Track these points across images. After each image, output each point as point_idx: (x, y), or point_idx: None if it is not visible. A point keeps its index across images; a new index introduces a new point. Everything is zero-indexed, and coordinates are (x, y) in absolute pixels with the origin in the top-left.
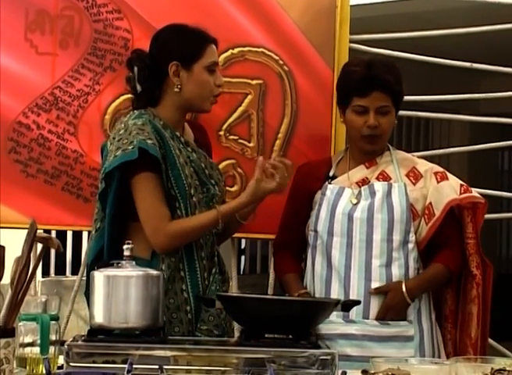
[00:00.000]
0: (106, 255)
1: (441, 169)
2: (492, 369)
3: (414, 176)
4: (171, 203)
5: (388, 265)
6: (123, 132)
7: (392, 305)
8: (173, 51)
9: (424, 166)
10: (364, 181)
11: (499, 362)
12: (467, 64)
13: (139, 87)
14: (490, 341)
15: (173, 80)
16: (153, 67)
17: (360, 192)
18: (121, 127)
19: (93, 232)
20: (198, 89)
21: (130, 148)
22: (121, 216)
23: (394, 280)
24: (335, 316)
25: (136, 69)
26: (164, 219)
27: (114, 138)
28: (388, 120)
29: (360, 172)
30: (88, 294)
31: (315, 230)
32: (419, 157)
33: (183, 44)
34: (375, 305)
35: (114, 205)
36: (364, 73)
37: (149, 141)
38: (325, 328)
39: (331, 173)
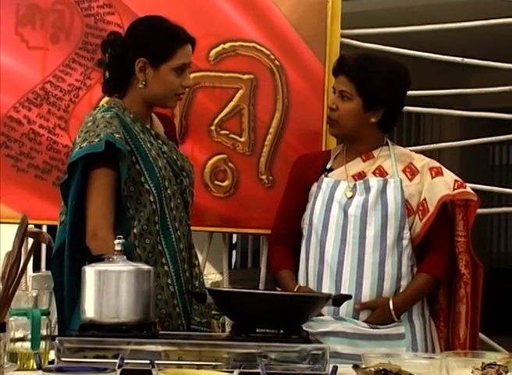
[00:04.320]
0: (67, 249)
1: (437, 165)
2: (482, 363)
3: (411, 171)
4: (145, 198)
5: (381, 262)
6: (91, 124)
7: (378, 322)
8: (143, 47)
9: (420, 161)
10: (361, 175)
11: (489, 357)
12: (458, 59)
13: (107, 74)
14: (481, 335)
15: (138, 75)
16: (123, 58)
17: (355, 185)
18: (89, 120)
19: (58, 226)
20: (162, 89)
21: (97, 140)
22: (83, 209)
23: (386, 277)
24: (326, 312)
25: (107, 55)
26: (107, 221)
27: (82, 131)
28: (346, 107)
29: (356, 165)
30: (56, 289)
31: (310, 224)
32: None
33: (154, 42)
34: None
35: (76, 196)
36: (339, 57)
37: (116, 135)
38: (315, 326)
39: (328, 166)
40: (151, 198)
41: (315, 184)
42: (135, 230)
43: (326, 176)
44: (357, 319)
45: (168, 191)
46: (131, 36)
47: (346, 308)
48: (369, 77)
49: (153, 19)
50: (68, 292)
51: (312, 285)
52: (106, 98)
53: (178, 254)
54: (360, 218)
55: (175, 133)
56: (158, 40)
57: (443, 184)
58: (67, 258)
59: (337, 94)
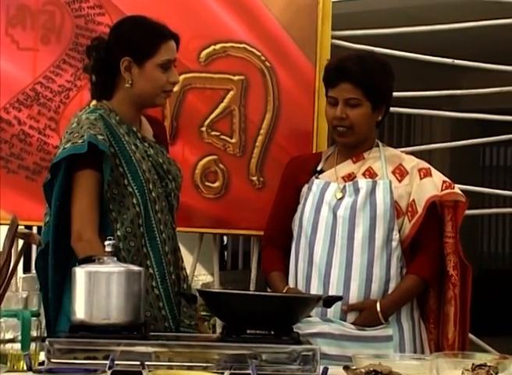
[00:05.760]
0: (51, 250)
1: (426, 166)
2: (473, 364)
3: (400, 173)
4: (128, 200)
5: (369, 264)
6: (75, 125)
7: (365, 324)
8: (126, 46)
9: (410, 162)
10: (350, 176)
11: (480, 358)
12: (449, 60)
13: (94, 78)
14: (471, 336)
15: (124, 75)
16: (107, 60)
17: (345, 187)
18: (74, 121)
19: (43, 227)
20: (149, 86)
21: (80, 141)
22: (67, 210)
23: (375, 279)
24: (313, 313)
25: (92, 59)
26: (92, 223)
27: (67, 132)
28: (358, 113)
29: (347, 167)
30: (43, 290)
31: (300, 225)
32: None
33: (136, 40)
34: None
35: (59, 197)
36: (335, 64)
37: (99, 137)
38: (302, 327)
39: (319, 167)
40: (134, 201)
41: (306, 186)
42: (119, 233)
43: (317, 177)
44: (345, 320)
45: (153, 194)
46: (114, 37)
47: (333, 309)
48: (374, 79)
49: (135, 18)
50: (52, 293)
51: (301, 286)
52: None
53: (163, 256)
54: (349, 219)
55: (165, 137)
56: (141, 37)
57: (431, 185)
58: (51, 259)
59: (342, 102)
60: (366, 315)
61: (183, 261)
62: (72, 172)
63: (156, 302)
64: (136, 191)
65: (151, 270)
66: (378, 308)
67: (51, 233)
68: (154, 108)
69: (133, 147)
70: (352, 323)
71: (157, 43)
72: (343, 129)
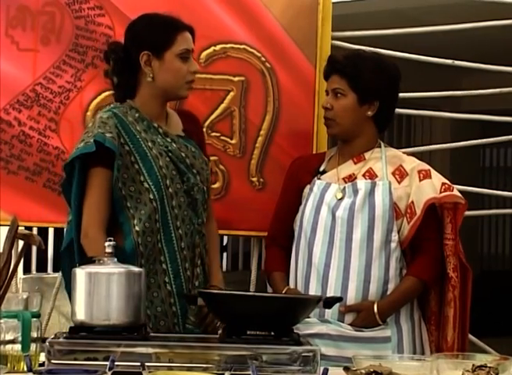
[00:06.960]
0: (76, 247)
1: (426, 167)
2: (473, 365)
3: (400, 174)
4: (145, 196)
5: (367, 265)
6: (91, 125)
7: (363, 325)
8: (144, 41)
9: (410, 163)
10: (351, 177)
11: (480, 359)
12: (449, 61)
13: (115, 80)
14: (471, 337)
15: (145, 69)
16: (127, 59)
17: (345, 188)
18: (92, 120)
19: (66, 225)
20: (171, 77)
21: (91, 140)
22: None
23: (373, 280)
24: (311, 314)
25: (111, 62)
26: (98, 220)
27: (85, 131)
28: (341, 104)
29: (348, 167)
30: (69, 288)
31: (300, 226)
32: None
33: (152, 33)
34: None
35: (78, 196)
36: (329, 58)
37: (108, 135)
38: (300, 328)
39: (321, 168)
40: (151, 196)
41: (308, 187)
42: (137, 228)
43: (319, 178)
44: (342, 321)
45: (170, 190)
46: (130, 36)
47: (331, 310)
48: (360, 71)
49: (148, 14)
50: None
51: (300, 287)
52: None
53: (178, 252)
54: (347, 220)
55: (196, 131)
56: (157, 30)
57: (430, 187)
58: (77, 257)
59: (330, 93)
60: (363, 316)
61: (199, 257)
62: (87, 171)
63: (168, 298)
64: (152, 186)
65: (164, 266)
66: (376, 310)
67: (75, 232)
68: (179, 100)
69: (149, 144)
70: (350, 324)
71: (173, 33)
72: (328, 120)
